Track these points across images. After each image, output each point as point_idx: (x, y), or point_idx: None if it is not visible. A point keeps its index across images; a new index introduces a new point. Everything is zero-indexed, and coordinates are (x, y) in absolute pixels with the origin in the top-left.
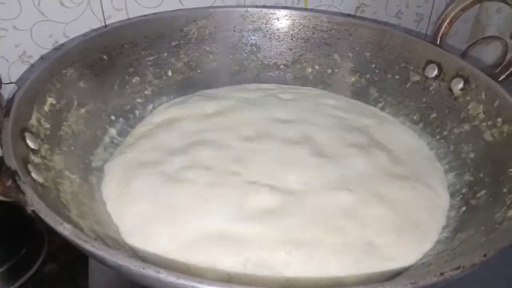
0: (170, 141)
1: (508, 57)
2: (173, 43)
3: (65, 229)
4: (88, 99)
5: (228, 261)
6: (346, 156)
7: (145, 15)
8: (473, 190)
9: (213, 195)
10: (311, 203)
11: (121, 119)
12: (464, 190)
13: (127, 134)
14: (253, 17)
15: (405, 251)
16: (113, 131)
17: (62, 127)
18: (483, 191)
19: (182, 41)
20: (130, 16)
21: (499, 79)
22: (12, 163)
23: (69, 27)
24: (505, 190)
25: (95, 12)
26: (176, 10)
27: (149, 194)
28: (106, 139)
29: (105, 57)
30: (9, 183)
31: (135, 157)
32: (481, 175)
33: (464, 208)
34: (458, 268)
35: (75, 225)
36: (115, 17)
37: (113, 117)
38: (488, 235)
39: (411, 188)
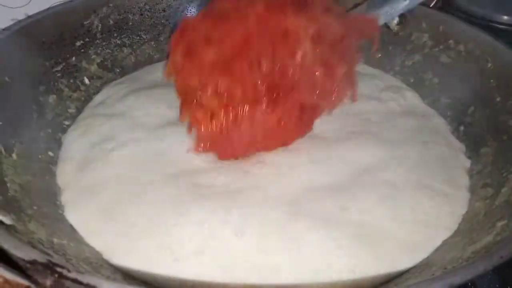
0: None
1: None
2: (78, 43)
3: None
4: (9, 139)
5: None
6: None
7: (29, 17)
8: (460, 109)
9: None
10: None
11: None
12: (449, 113)
13: None
14: None
15: None
16: None
17: (8, 185)
18: (472, 107)
19: (87, 39)
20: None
21: (431, 6)
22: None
23: None
24: (498, 99)
25: None
26: (67, 1)
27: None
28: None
29: (6, 79)
30: None
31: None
32: (457, 95)
33: (462, 128)
34: None
35: None
36: None
37: (50, 153)
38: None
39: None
